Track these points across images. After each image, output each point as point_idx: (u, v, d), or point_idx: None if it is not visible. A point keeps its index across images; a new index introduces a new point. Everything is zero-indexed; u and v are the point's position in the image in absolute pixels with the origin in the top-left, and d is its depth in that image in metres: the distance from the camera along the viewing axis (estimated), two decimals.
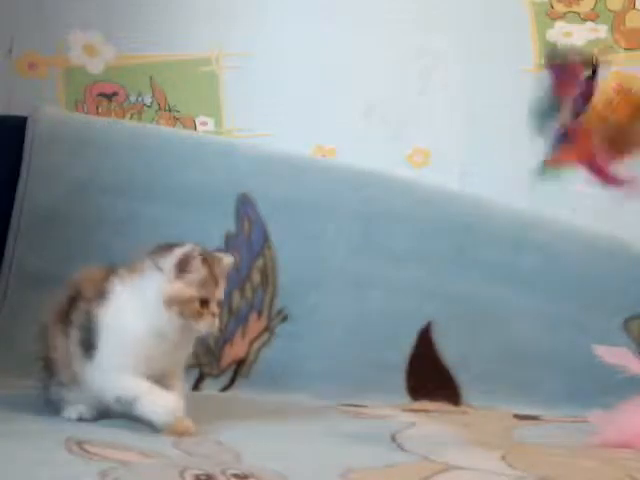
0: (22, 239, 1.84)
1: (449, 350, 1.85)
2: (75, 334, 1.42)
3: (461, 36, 2.08)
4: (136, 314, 1.40)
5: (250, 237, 1.89)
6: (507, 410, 1.77)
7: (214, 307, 1.41)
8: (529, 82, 2.07)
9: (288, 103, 2.07)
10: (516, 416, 1.75)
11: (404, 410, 1.74)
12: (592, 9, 2.08)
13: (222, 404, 1.71)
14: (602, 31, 2.08)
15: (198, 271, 1.39)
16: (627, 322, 1.86)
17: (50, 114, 1.94)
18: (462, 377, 1.84)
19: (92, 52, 2.07)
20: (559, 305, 1.87)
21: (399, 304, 1.86)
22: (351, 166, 1.98)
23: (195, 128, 2.08)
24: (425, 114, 2.08)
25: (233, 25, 2.08)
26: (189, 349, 1.46)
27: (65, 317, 1.44)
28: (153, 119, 2.08)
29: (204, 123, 2.09)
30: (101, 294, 1.42)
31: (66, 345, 1.43)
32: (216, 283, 1.41)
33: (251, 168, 1.93)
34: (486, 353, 1.85)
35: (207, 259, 1.41)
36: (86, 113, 2.06)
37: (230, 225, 1.88)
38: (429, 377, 1.84)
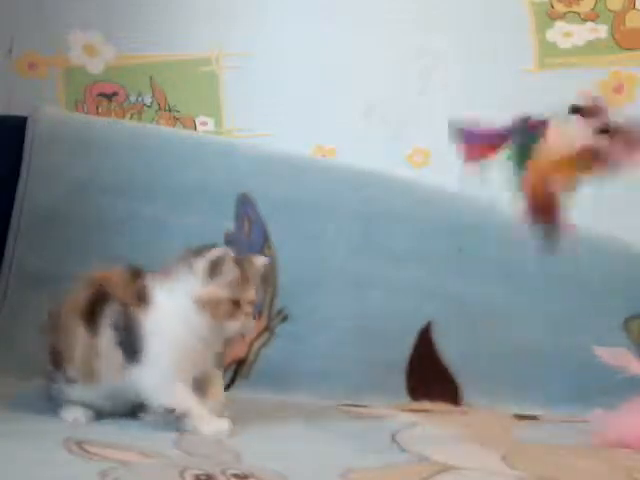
0: (22, 239, 1.84)
1: (449, 350, 1.85)
2: (109, 334, 1.43)
3: (461, 36, 2.08)
4: (177, 318, 1.42)
5: (250, 237, 1.89)
6: (507, 410, 1.77)
7: (246, 307, 1.43)
8: (529, 82, 2.08)
9: (288, 103, 2.07)
10: (516, 416, 1.75)
11: (404, 410, 1.74)
12: (592, 9, 2.08)
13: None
14: (602, 31, 2.08)
15: (230, 273, 1.42)
16: (627, 322, 1.86)
17: (50, 114, 1.94)
18: (462, 377, 1.84)
19: (92, 52, 2.07)
20: (559, 305, 1.87)
21: (399, 304, 1.86)
22: (351, 166, 1.98)
23: (195, 128, 2.08)
24: (425, 114, 2.08)
25: (233, 25, 2.08)
26: (220, 349, 1.47)
27: (90, 315, 1.44)
28: (153, 119, 2.08)
29: (204, 123, 2.09)
30: (140, 297, 1.43)
31: (89, 342, 1.44)
32: (248, 284, 1.44)
33: (251, 168, 1.93)
34: (486, 353, 1.85)
35: (239, 260, 1.44)
36: (86, 113, 2.06)
37: (230, 225, 1.88)
38: (429, 377, 1.84)
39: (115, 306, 1.44)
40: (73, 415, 1.46)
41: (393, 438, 1.49)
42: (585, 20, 2.08)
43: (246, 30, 2.08)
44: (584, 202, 2.01)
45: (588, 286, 1.89)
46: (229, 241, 1.87)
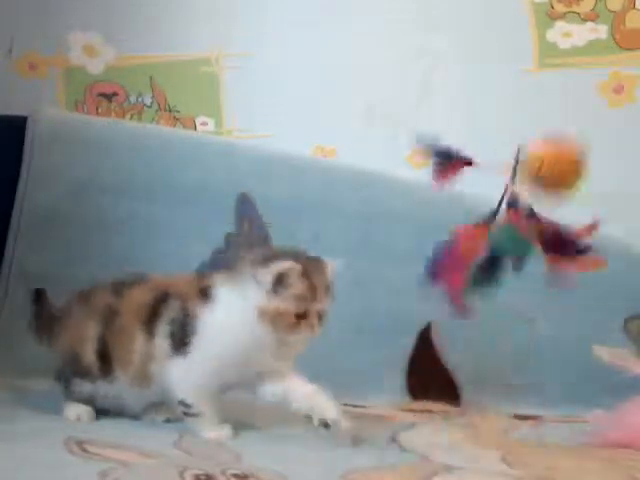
0: (22, 239, 1.83)
1: (449, 350, 1.85)
2: (164, 328, 1.41)
3: (461, 36, 2.08)
4: (235, 323, 1.39)
5: (250, 237, 1.89)
6: (507, 410, 1.77)
7: (313, 319, 1.39)
8: (529, 82, 2.08)
9: (288, 103, 2.07)
10: (516, 416, 1.75)
11: (404, 410, 1.74)
12: (592, 9, 2.08)
13: (222, 404, 1.70)
14: (602, 31, 2.08)
15: (295, 286, 1.38)
16: (627, 322, 1.86)
17: (50, 114, 1.94)
18: (462, 377, 1.84)
19: (92, 52, 2.07)
20: (559, 305, 1.87)
21: (399, 304, 1.86)
22: (351, 166, 1.98)
23: (195, 128, 2.08)
24: (425, 114, 2.08)
25: (233, 25, 2.08)
26: (289, 357, 1.43)
27: (151, 318, 1.42)
28: (153, 119, 2.08)
29: (204, 123, 2.09)
30: (202, 294, 1.41)
31: (146, 347, 1.42)
32: (315, 295, 1.39)
33: (251, 168, 1.93)
34: (486, 353, 1.85)
35: (307, 273, 1.39)
36: (86, 113, 2.07)
37: (230, 225, 1.88)
38: (429, 377, 1.84)
39: (174, 302, 1.42)
40: (76, 413, 1.45)
41: (393, 438, 1.49)
42: (585, 20, 2.08)
43: (246, 30, 2.08)
44: (584, 202, 2.01)
45: (588, 286, 1.89)
46: (229, 241, 1.88)
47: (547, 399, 1.81)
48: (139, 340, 1.42)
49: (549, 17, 2.08)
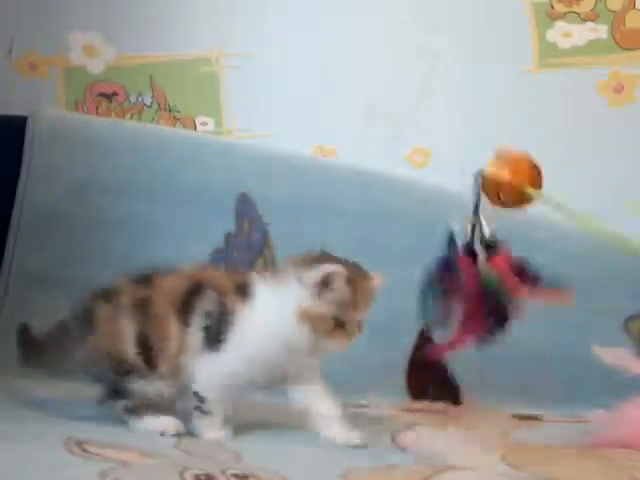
0: (22, 239, 1.83)
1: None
2: (199, 321, 1.38)
3: (461, 36, 2.08)
4: (273, 322, 1.37)
5: (250, 237, 1.88)
6: (507, 410, 1.77)
7: (351, 328, 1.38)
8: (529, 82, 2.08)
9: (288, 103, 2.07)
10: (516, 416, 1.75)
11: (404, 410, 1.74)
12: (592, 9, 2.08)
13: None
14: (602, 31, 2.08)
15: (339, 291, 1.36)
16: (627, 322, 1.86)
17: (50, 114, 1.94)
18: (462, 377, 1.84)
19: (92, 52, 2.07)
20: (559, 305, 1.87)
21: (399, 304, 1.86)
22: (351, 166, 1.98)
23: (195, 128, 2.08)
24: (425, 114, 2.08)
25: (233, 25, 2.08)
26: (316, 363, 1.42)
27: (185, 306, 1.39)
28: (153, 119, 2.08)
29: (204, 123, 2.09)
30: (240, 289, 1.38)
31: (181, 336, 1.39)
32: (356, 304, 1.37)
33: (251, 168, 1.93)
34: (486, 353, 1.85)
35: (353, 280, 1.37)
36: (86, 113, 2.07)
37: (230, 225, 1.88)
38: (429, 377, 1.84)
39: (211, 294, 1.39)
40: (161, 426, 1.40)
41: (393, 438, 1.49)
42: (585, 20, 2.08)
43: (246, 30, 2.08)
44: (585, 202, 2.02)
45: (588, 286, 1.89)
46: (229, 242, 1.88)
47: (547, 399, 1.81)
48: (174, 328, 1.39)
49: (549, 17, 2.08)
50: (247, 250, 1.88)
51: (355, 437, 1.41)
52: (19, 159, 1.87)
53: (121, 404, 1.42)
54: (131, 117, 2.08)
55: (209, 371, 1.38)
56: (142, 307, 1.41)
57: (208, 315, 1.38)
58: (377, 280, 1.42)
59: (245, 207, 1.89)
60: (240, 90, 2.08)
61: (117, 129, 1.98)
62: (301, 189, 1.92)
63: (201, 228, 1.86)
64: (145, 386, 1.41)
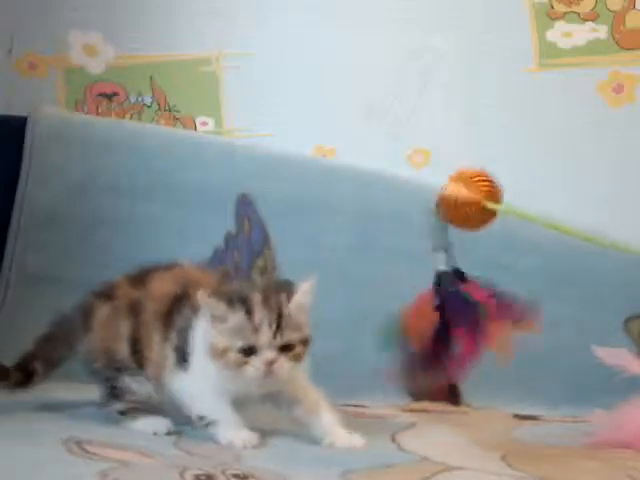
0: (22, 239, 1.84)
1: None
2: (173, 338, 1.38)
3: (461, 36, 2.08)
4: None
5: (250, 237, 1.89)
6: (507, 410, 1.77)
7: (266, 354, 1.30)
8: (529, 82, 2.08)
9: (288, 103, 2.07)
10: (516, 416, 1.75)
11: (404, 410, 1.74)
12: (592, 9, 2.08)
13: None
14: (602, 31, 2.08)
15: (230, 318, 1.30)
16: (627, 322, 1.86)
17: (50, 114, 1.94)
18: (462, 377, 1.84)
19: (92, 52, 2.07)
20: (559, 305, 1.87)
21: (399, 304, 1.86)
22: (351, 166, 1.98)
23: (195, 128, 2.08)
24: (425, 114, 2.08)
25: (233, 25, 2.08)
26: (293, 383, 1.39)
27: (168, 316, 1.39)
28: (153, 119, 2.08)
29: (204, 123, 2.09)
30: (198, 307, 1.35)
31: (162, 345, 1.39)
32: (257, 329, 1.30)
33: (251, 168, 1.93)
34: (486, 353, 1.85)
35: (247, 301, 1.30)
36: (86, 113, 2.07)
37: (230, 225, 1.89)
38: (429, 377, 1.84)
39: (186, 310, 1.37)
40: (153, 427, 1.41)
41: (393, 438, 1.49)
42: (585, 20, 2.08)
43: (246, 30, 2.08)
44: (585, 202, 2.02)
45: (588, 286, 1.89)
46: (229, 242, 1.88)
47: (547, 399, 1.81)
48: (157, 339, 1.40)
49: (549, 17, 2.08)
50: (247, 250, 1.88)
51: (357, 443, 1.40)
52: (19, 159, 1.87)
53: (116, 407, 1.43)
54: (131, 117, 2.08)
55: (185, 390, 1.37)
56: (135, 310, 1.43)
57: (179, 332, 1.37)
58: (303, 291, 1.38)
59: (245, 207, 1.89)
60: (240, 90, 2.08)
61: (117, 129, 1.98)
62: (301, 189, 1.92)
63: (201, 228, 1.86)
64: (137, 387, 1.42)
